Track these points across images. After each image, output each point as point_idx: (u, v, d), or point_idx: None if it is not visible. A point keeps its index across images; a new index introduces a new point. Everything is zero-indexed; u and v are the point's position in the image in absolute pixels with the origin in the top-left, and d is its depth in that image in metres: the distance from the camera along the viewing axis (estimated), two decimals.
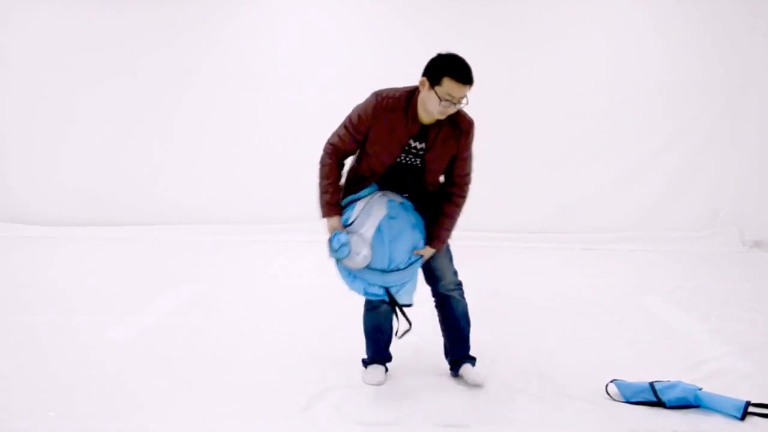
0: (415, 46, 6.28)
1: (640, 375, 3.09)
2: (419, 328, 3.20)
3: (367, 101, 2.77)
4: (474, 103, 6.69)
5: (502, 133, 6.41)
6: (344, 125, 2.84)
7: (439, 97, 2.64)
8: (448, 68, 2.64)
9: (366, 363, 3.16)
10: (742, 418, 2.69)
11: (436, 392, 2.98)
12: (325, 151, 2.88)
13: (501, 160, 6.44)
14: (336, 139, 2.86)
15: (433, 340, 3.38)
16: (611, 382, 2.99)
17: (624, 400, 2.88)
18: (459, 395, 2.96)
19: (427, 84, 2.67)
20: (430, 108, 2.69)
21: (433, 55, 2.73)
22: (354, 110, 2.81)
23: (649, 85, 6.36)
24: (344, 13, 6.43)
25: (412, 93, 2.77)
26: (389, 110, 2.74)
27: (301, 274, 5.10)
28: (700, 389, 2.84)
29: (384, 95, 2.76)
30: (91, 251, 5.82)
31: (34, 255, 5.74)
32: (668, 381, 2.92)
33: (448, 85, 2.63)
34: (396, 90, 2.79)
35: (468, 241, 5.05)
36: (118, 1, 6.46)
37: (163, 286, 4.69)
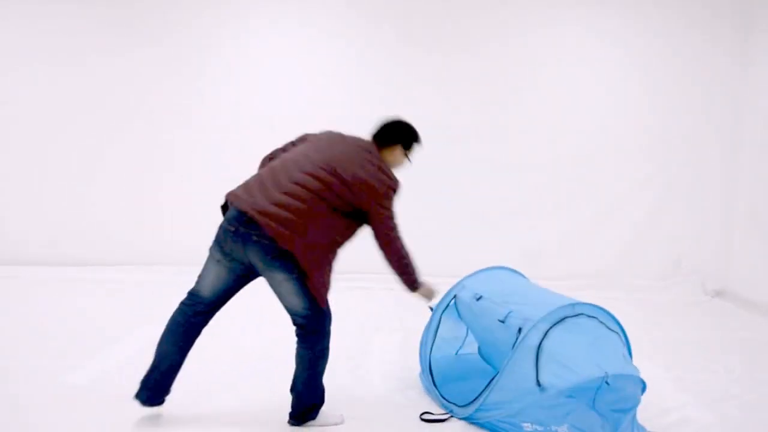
0: (384, 96, 6.41)
1: None
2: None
3: (393, 191, 3.00)
4: (442, 148, 6.84)
5: (468, 179, 6.51)
6: (392, 215, 3.02)
7: (409, 159, 3.24)
8: (417, 137, 3.22)
9: (321, 406, 3.14)
10: None
11: None
12: (395, 240, 3.03)
13: (467, 206, 6.51)
14: (395, 225, 3.04)
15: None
16: None
17: None
18: None
19: (399, 151, 3.18)
20: (399, 168, 3.22)
21: (392, 120, 3.20)
22: (386, 206, 2.97)
23: (613, 136, 6.51)
24: (318, 64, 6.48)
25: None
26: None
27: (264, 319, 5.03)
28: None
29: (393, 175, 3.02)
30: (51, 291, 5.68)
31: None
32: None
33: (415, 149, 3.25)
34: (389, 171, 3.03)
35: None
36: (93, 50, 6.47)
37: (125, 328, 4.58)
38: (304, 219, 2.75)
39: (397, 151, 3.16)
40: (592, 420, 2.86)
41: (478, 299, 3.40)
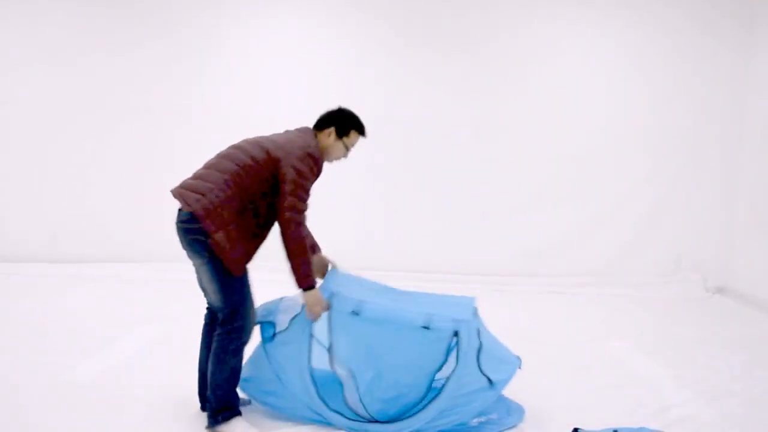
0: (384, 95, 6.42)
1: (604, 420, 3.10)
2: None
3: (310, 158, 2.84)
4: (444, 145, 6.82)
5: (472, 176, 6.51)
6: (304, 187, 2.82)
7: (346, 147, 3.06)
8: (356, 123, 3.07)
9: (233, 414, 2.93)
10: None
11: None
12: (298, 219, 2.82)
13: (469, 202, 6.51)
14: (303, 204, 2.85)
15: None
16: (574, 430, 3.00)
17: None
18: None
19: (333, 135, 3.02)
20: (335, 156, 3.07)
21: (333, 108, 3.10)
22: (299, 174, 2.80)
23: (614, 135, 6.49)
24: (318, 63, 6.47)
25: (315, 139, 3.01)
26: (322, 157, 2.97)
27: None
28: None
29: (314, 147, 2.90)
30: (51, 289, 5.68)
31: None
32: (632, 427, 2.94)
33: (354, 137, 3.08)
34: (312, 139, 2.96)
35: (434, 283, 5.05)
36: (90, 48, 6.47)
37: (126, 326, 4.59)
38: (211, 182, 2.81)
39: (332, 135, 3.02)
40: (500, 398, 3.21)
41: (357, 310, 2.93)
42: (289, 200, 2.79)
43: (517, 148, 6.52)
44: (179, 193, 2.87)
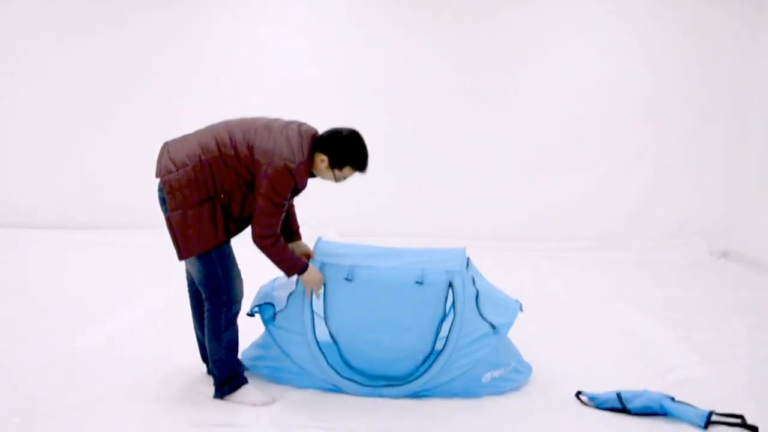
0: (389, 70, 6.35)
1: (608, 383, 3.13)
2: None
3: (288, 173, 2.68)
4: (451, 110, 6.75)
5: (477, 141, 6.47)
6: (275, 202, 2.70)
7: (336, 178, 2.85)
8: (353, 159, 2.81)
9: (240, 383, 2.94)
10: (706, 427, 2.75)
11: (388, 402, 2.99)
12: (271, 242, 2.76)
13: (475, 167, 6.49)
14: (273, 227, 2.76)
15: None
16: (578, 393, 3.04)
17: (594, 406, 2.95)
18: (417, 404, 2.98)
19: (326, 162, 2.79)
20: (323, 178, 2.89)
21: (343, 131, 2.82)
22: (273, 189, 2.68)
23: (622, 98, 6.42)
24: (318, 43, 6.40)
25: (311, 153, 2.79)
26: (306, 174, 2.78)
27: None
28: (672, 398, 2.91)
29: (298, 163, 2.70)
30: (59, 255, 5.71)
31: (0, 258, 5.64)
32: (635, 390, 2.98)
33: (348, 172, 2.84)
34: (301, 152, 2.73)
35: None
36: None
37: (134, 291, 4.64)
38: (189, 157, 2.73)
39: (324, 162, 2.80)
40: (512, 349, 3.20)
41: (350, 276, 2.96)
42: (258, 230, 2.74)
43: (523, 112, 6.46)
44: (162, 155, 2.83)
